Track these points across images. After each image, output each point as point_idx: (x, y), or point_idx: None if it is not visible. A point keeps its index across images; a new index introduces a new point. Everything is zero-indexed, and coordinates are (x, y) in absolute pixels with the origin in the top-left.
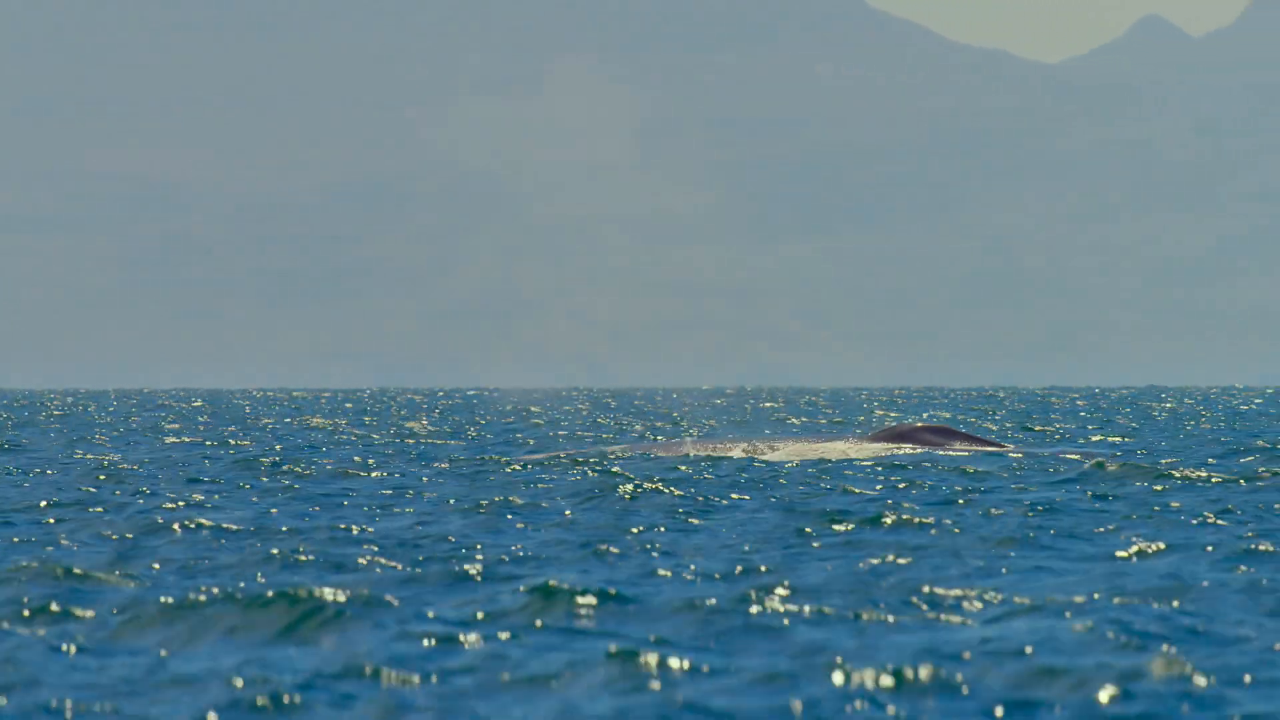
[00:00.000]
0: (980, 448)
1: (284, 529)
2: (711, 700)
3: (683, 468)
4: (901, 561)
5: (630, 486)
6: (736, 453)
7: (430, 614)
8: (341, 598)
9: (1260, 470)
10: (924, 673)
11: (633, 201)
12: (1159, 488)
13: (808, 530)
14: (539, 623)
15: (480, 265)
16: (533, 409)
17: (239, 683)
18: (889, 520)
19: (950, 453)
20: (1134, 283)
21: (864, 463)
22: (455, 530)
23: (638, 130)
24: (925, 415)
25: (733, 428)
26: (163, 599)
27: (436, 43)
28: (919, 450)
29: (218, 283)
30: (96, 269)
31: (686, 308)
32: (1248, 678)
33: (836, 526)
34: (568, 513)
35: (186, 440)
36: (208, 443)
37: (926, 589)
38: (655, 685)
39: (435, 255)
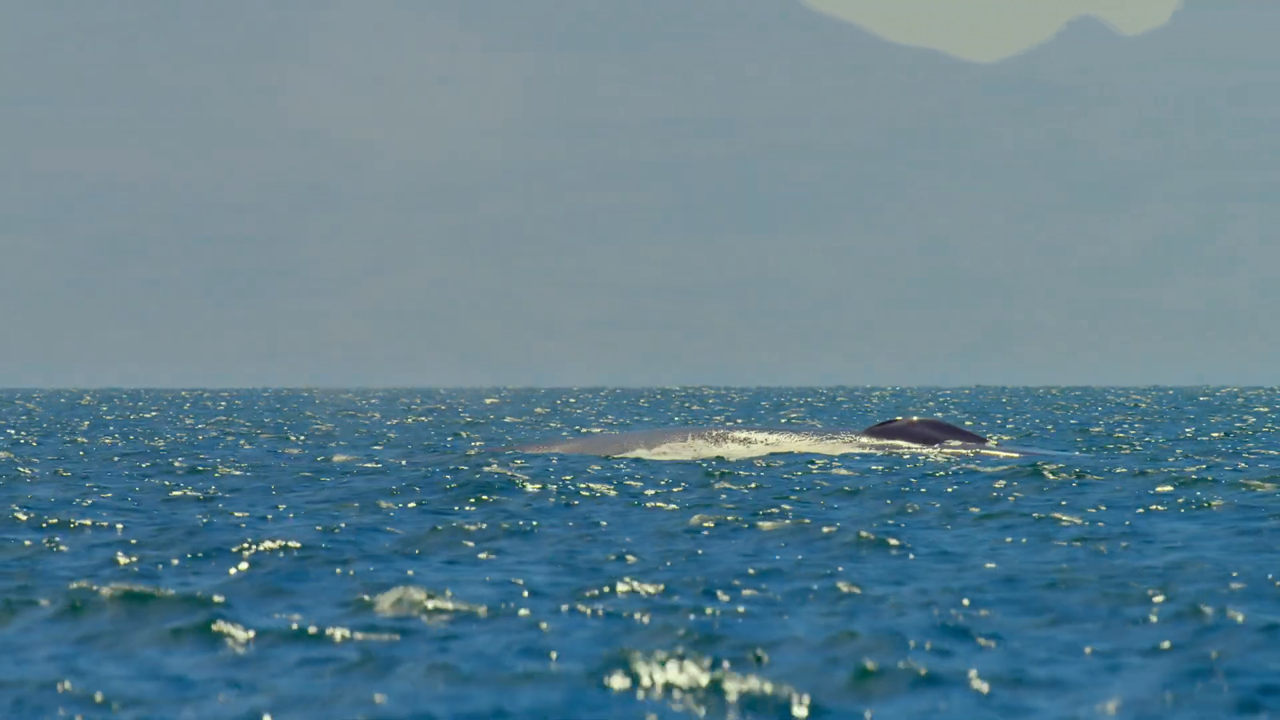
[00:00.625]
0: (978, 447)
1: None
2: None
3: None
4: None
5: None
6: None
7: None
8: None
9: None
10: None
11: (568, 201)
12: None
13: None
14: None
15: (417, 264)
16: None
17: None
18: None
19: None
20: (1066, 283)
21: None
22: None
23: (573, 130)
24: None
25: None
26: None
27: (370, 42)
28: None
29: (154, 282)
30: (35, 268)
31: (623, 307)
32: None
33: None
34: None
35: None
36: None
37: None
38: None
39: (371, 255)
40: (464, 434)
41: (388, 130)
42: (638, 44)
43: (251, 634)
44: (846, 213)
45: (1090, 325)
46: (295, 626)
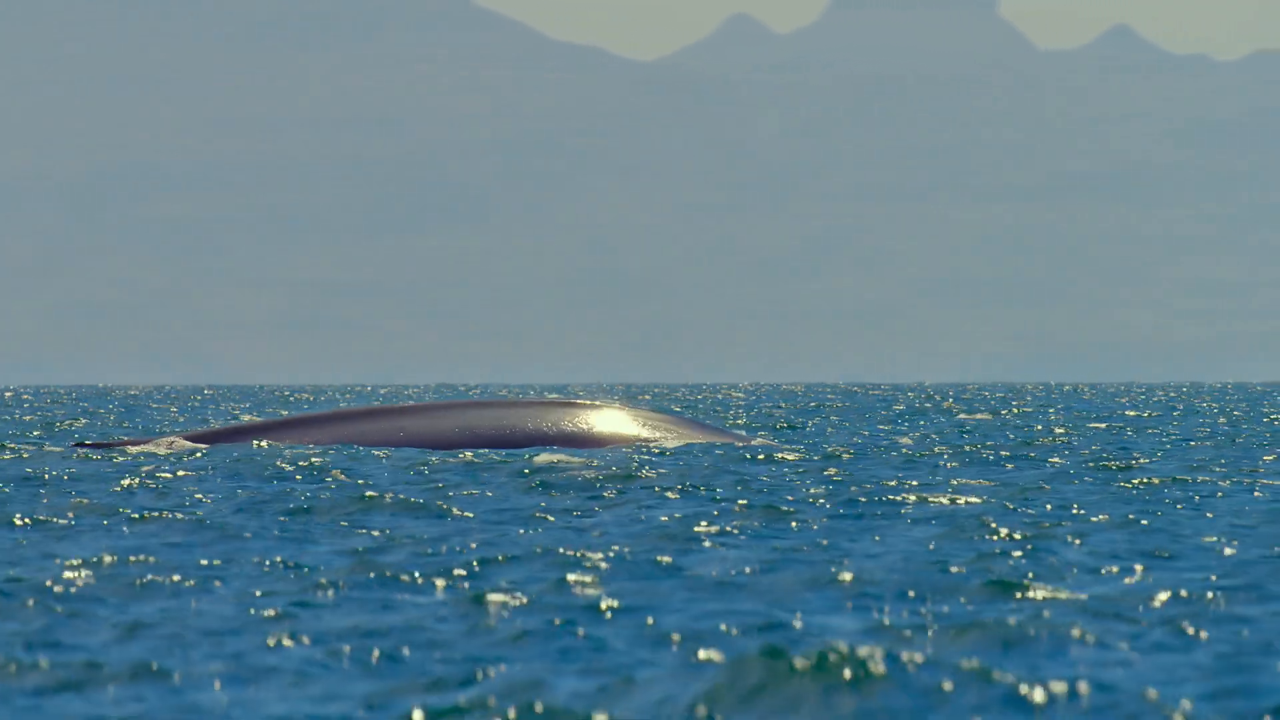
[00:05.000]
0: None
1: None
2: None
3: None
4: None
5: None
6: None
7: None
8: None
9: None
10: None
11: (245, 200)
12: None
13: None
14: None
15: (97, 262)
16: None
17: None
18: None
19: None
20: (726, 280)
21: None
22: None
23: (244, 127)
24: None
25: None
26: None
27: (45, 35)
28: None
29: None
30: None
31: (298, 305)
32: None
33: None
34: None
35: None
36: None
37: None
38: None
39: (52, 251)
40: (36, 432)
41: (62, 126)
42: (308, 42)
43: None
44: (510, 210)
45: (747, 323)
46: None
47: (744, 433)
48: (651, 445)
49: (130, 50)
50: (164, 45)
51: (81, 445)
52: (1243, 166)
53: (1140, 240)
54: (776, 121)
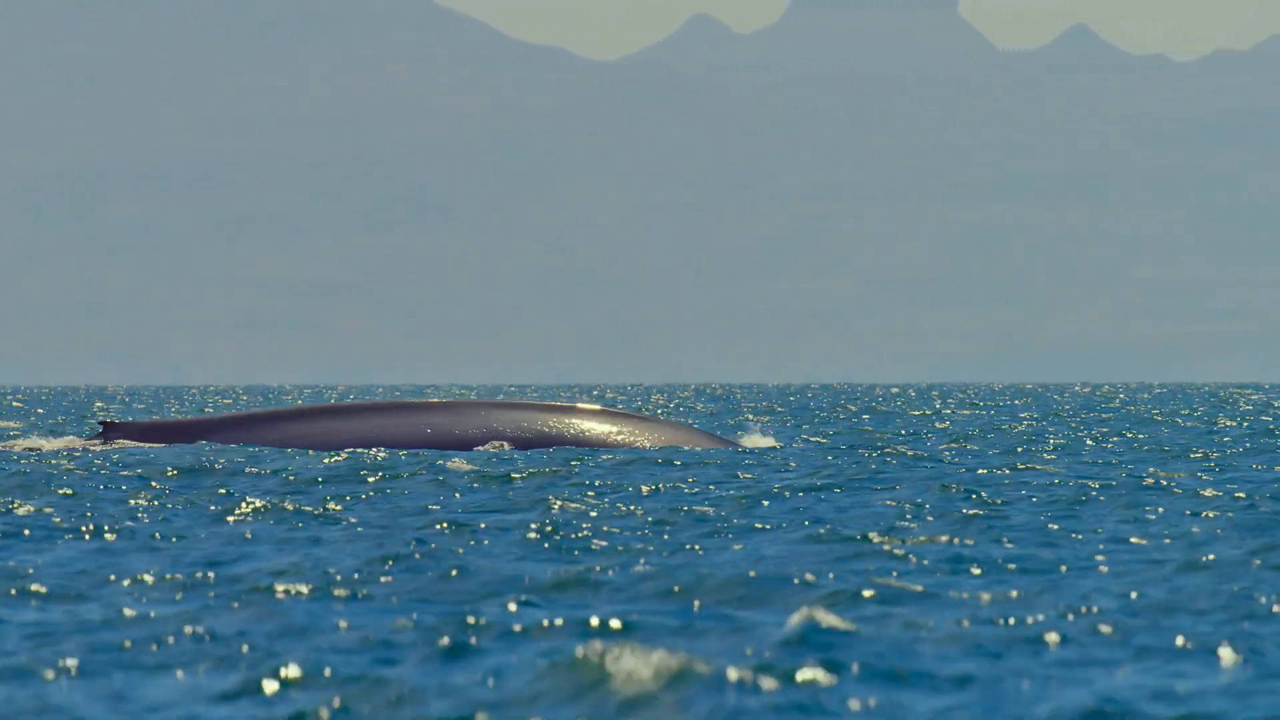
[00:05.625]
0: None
1: None
2: None
3: None
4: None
5: None
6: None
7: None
8: None
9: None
10: None
11: (210, 200)
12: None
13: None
14: None
15: (61, 263)
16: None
17: None
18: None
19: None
20: (686, 280)
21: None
22: None
23: (209, 128)
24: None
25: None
26: None
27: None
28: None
29: None
30: None
31: (263, 306)
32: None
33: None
34: None
35: None
36: None
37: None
38: None
39: (16, 253)
40: None
41: (25, 126)
42: (274, 43)
43: None
44: (472, 210)
45: (705, 323)
46: None
47: (720, 433)
48: (613, 445)
49: (85, 50)
50: (120, 46)
51: None
52: (1201, 167)
53: (1099, 240)
54: (737, 122)
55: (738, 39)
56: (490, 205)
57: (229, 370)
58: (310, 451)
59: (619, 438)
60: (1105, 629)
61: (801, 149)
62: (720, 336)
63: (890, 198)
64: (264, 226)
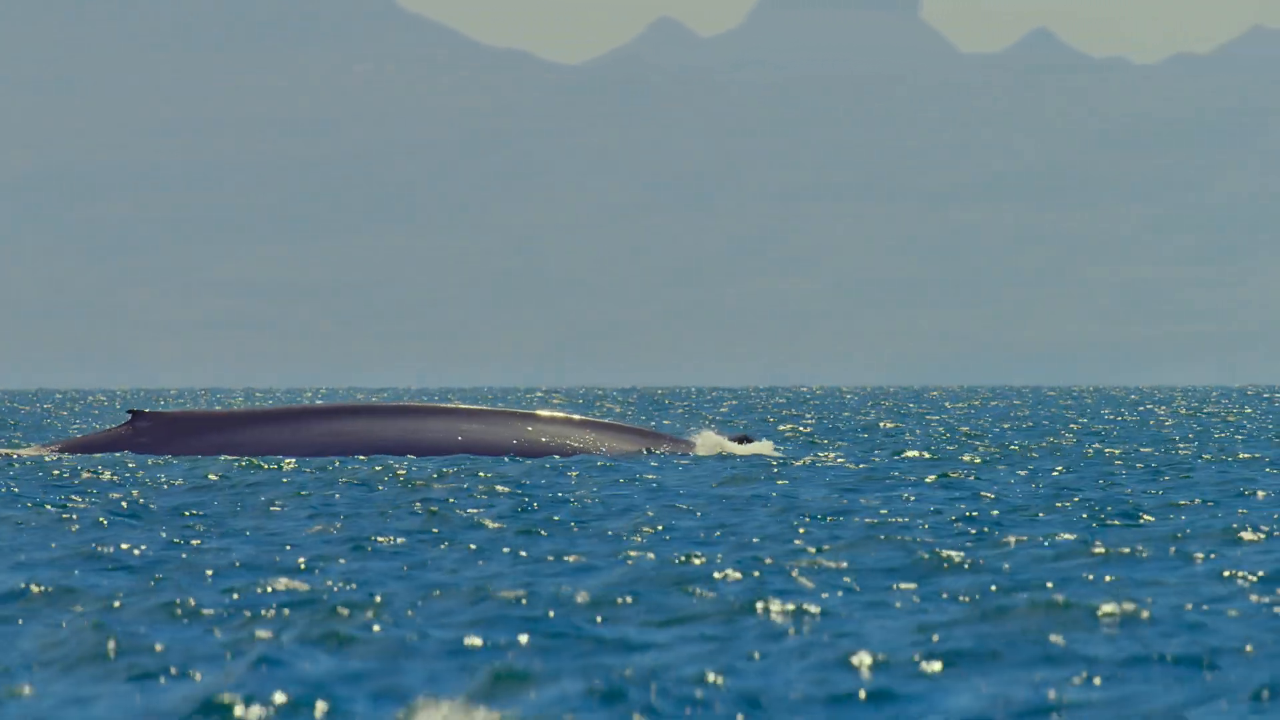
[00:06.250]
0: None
1: None
2: None
3: None
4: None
5: None
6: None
7: None
8: None
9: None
10: None
11: (172, 202)
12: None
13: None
14: None
15: (26, 265)
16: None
17: None
18: None
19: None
20: (650, 282)
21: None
22: None
23: (170, 132)
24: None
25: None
26: None
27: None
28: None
29: None
30: None
31: (227, 308)
32: None
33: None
34: None
35: None
36: None
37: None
38: None
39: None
40: None
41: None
42: (242, 43)
43: None
44: (436, 212)
45: (671, 325)
46: None
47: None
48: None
49: (58, 52)
50: (92, 48)
51: None
52: (1162, 168)
53: (1062, 242)
54: (702, 124)
55: (702, 42)
56: (454, 207)
57: (199, 372)
58: (361, 457)
59: (581, 444)
60: None
61: (767, 150)
62: (680, 338)
63: (853, 199)
64: (229, 229)
